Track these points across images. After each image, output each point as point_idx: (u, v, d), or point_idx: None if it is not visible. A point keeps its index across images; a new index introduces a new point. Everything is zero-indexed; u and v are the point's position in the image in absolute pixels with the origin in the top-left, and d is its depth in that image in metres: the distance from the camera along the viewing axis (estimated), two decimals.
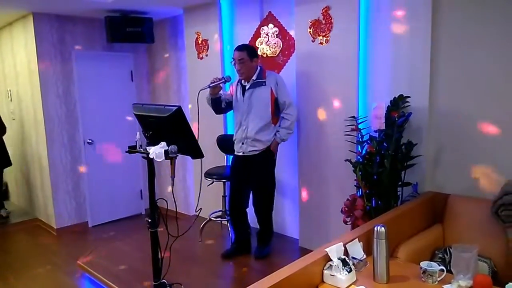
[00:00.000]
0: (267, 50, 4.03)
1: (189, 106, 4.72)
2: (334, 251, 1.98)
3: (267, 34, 4.01)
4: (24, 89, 4.94)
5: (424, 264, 1.97)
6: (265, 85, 3.45)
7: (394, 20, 3.07)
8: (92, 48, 4.88)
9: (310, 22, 3.51)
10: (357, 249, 2.10)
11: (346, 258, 2.00)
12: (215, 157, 4.33)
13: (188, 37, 4.68)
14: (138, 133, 2.63)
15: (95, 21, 4.81)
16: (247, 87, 3.50)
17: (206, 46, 4.48)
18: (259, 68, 3.51)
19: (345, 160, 3.14)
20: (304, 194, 3.82)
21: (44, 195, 4.89)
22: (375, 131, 2.98)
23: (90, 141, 4.89)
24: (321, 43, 3.47)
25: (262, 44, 4.05)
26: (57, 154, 4.69)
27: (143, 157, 2.52)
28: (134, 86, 5.27)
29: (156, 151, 2.35)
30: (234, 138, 3.64)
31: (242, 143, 3.54)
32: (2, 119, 5.13)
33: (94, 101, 4.89)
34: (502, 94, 2.59)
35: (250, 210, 3.80)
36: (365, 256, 2.10)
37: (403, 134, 2.89)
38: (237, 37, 4.28)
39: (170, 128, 2.44)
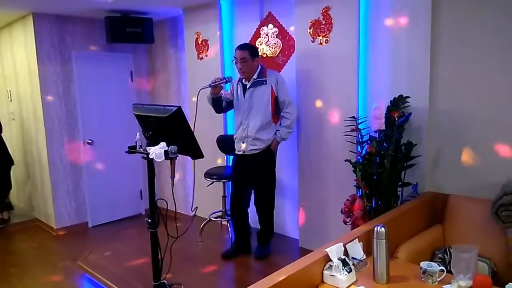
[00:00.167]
0: (267, 50, 4.04)
1: (194, 98, 4.68)
2: (334, 251, 1.98)
3: (267, 34, 4.01)
4: (24, 90, 4.94)
5: (424, 264, 1.97)
6: (266, 83, 3.46)
7: (394, 20, 3.07)
8: (92, 48, 4.88)
9: (310, 22, 3.51)
10: (357, 249, 2.10)
11: (346, 259, 2.00)
12: (215, 157, 4.33)
13: (188, 37, 4.68)
14: (138, 133, 2.63)
15: (95, 21, 4.81)
16: (248, 86, 3.50)
17: (206, 47, 4.48)
18: (260, 67, 3.52)
19: (345, 161, 3.14)
20: (304, 194, 3.82)
21: (44, 196, 4.89)
22: (375, 131, 2.98)
23: (90, 141, 4.89)
24: (321, 43, 3.47)
25: (262, 44, 4.05)
26: (57, 154, 4.69)
27: (143, 157, 2.52)
28: (134, 86, 5.27)
29: (156, 152, 2.35)
30: (234, 137, 3.65)
31: (243, 142, 3.54)
32: None
33: (94, 101, 4.89)
34: (502, 94, 2.59)
35: (251, 210, 3.80)
36: (365, 256, 2.10)
37: (403, 135, 2.89)
38: (237, 37, 4.28)
39: (170, 128, 2.44)
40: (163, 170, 5.23)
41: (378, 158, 2.93)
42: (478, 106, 2.70)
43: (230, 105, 3.68)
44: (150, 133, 2.51)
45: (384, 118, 2.88)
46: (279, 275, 1.79)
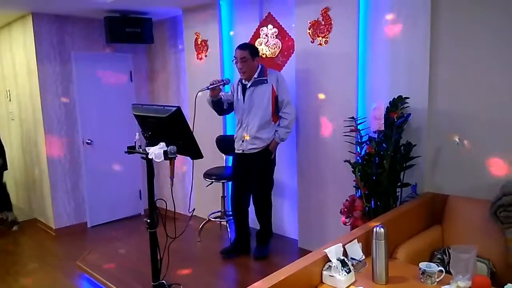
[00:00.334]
0: (266, 51, 4.04)
1: (190, 101, 4.69)
2: (333, 252, 1.98)
3: (266, 35, 4.02)
4: (23, 89, 4.94)
5: (423, 265, 1.97)
6: (267, 83, 3.46)
7: (393, 21, 3.08)
8: (91, 49, 4.88)
9: (310, 23, 3.51)
10: (356, 250, 2.10)
11: (345, 259, 2.00)
12: (214, 158, 4.33)
13: (187, 37, 4.68)
14: (137, 133, 2.63)
15: (95, 21, 4.81)
16: (248, 86, 3.50)
17: (206, 47, 4.48)
18: (260, 66, 3.52)
19: (344, 161, 3.14)
20: (303, 195, 3.82)
21: (43, 196, 4.88)
22: (374, 132, 2.98)
23: (89, 141, 4.88)
24: (320, 44, 3.47)
25: (261, 44, 4.05)
26: (56, 154, 4.69)
27: (142, 157, 2.52)
28: (133, 86, 5.27)
29: (155, 152, 2.35)
30: (234, 137, 3.65)
31: (242, 141, 3.54)
32: None
33: (93, 101, 4.89)
34: (502, 95, 2.59)
35: (250, 210, 3.80)
36: (364, 257, 2.10)
37: (402, 135, 2.89)
38: (236, 37, 4.28)
39: (170, 128, 2.44)
40: (162, 171, 5.23)
41: (377, 158, 2.93)
42: (478, 107, 2.70)
43: (231, 107, 3.68)
44: (150, 133, 2.51)
45: (383, 119, 2.89)
46: (278, 276, 1.79)
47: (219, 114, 3.80)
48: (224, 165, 4.43)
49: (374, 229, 2.00)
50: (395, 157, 2.87)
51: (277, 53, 3.97)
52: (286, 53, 3.90)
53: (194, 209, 2.91)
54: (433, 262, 2.14)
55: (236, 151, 3.64)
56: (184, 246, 3.86)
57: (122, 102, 5.04)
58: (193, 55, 4.63)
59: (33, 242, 4.56)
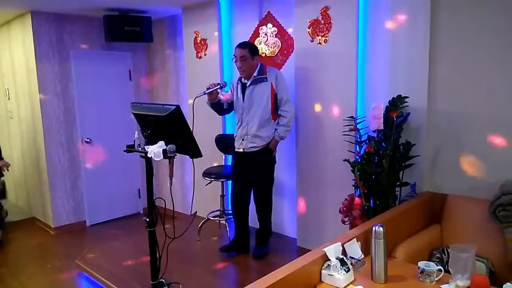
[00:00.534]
0: (265, 50, 4.03)
1: (190, 101, 4.68)
2: (332, 250, 1.98)
3: (266, 34, 4.01)
4: (22, 88, 4.93)
5: (422, 264, 1.97)
6: (266, 81, 3.46)
7: (392, 20, 3.07)
8: (90, 47, 4.87)
9: (309, 22, 3.51)
10: (355, 249, 2.10)
11: (344, 258, 2.00)
12: (213, 157, 4.33)
13: (186, 36, 4.67)
14: (136, 132, 2.62)
15: (94, 20, 4.80)
16: (248, 84, 3.50)
17: (205, 46, 4.48)
18: (259, 64, 3.51)
19: (344, 160, 3.14)
20: (302, 194, 3.82)
21: (42, 194, 4.88)
22: (374, 131, 2.98)
23: (88, 140, 4.88)
24: (320, 43, 3.47)
25: (261, 43, 4.05)
26: (55, 153, 4.68)
27: (142, 156, 2.51)
28: (132, 85, 5.26)
29: (154, 150, 2.35)
30: (234, 135, 3.66)
31: (242, 140, 3.54)
32: None
33: (92, 100, 4.88)
34: (501, 94, 2.60)
35: (250, 209, 3.80)
36: (363, 256, 2.10)
37: (401, 134, 2.90)
38: (236, 36, 4.27)
39: (169, 127, 2.43)
40: (161, 169, 5.23)
41: (376, 158, 2.93)
42: (477, 106, 2.70)
43: (231, 107, 3.68)
44: (149, 132, 2.51)
45: (382, 118, 2.89)
46: (277, 275, 1.79)
47: (220, 114, 3.80)
48: (224, 163, 4.43)
49: (373, 228, 2.01)
50: (394, 156, 2.87)
51: (276, 52, 3.97)
52: (285, 52, 3.90)
53: (196, 212, 2.90)
54: (432, 261, 2.14)
55: (236, 150, 3.64)
56: (183, 245, 3.85)
57: (121, 101, 5.03)
58: (193, 54, 4.62)
59: (31, 241, 4.56)
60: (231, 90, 3.69)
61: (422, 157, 2.96)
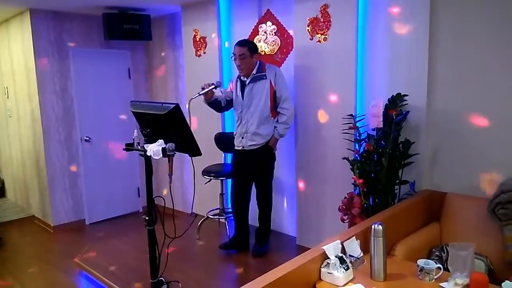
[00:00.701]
0: (265, 48, 4.03)
1: (187, 105, 4.70)
2: (332, 249, 1.98)
3: (265, 32, 4.01)
4: (21, 86, 4.92)
5: (421, 262, 1.97)
6: (266, 78, 3.46)
7: (392, 18, 3.07)
8: (89, 45, 4.86)
9: (309, 20, 3.51)
10: (354, 247, 2.10)
11: (344, 256, 2.00)
12: (212, 155, 4.32)
13: (186, 34, 4.66)
14: (135, 130, 2.62)
15: (93, 18, 4.79)
16: (247, 82, 3.50)
17: (204, 44, 4.47)
18: (258, 62, 3.51)
19: (343, 158, 3.14)
20: (302, 192, 3.82)
21: (41, 193, 4.88)
22: (373, 129, 2.98)
23: (87, 138, 4.87)
24: (319, 41, 3.47)
25: (260, 41, 4.04)
26: (54, 151, 4.68)
27: (141, 154, 2.51)
28: (131, 83, 5.25)
29: (154, 149, 2.35)
30: (234, 133, 3.66)
31: (242, 137, 3.54)
32: None
33: (91, 98, 4.87)
34: (500, 93, 2.60)
35: (250, 209, 3.80)
36: (362, 254, 2.10)
37: (400, 133, 2.89)
38: (235, 34, 4.27)
39: (168, 125, 2.43)
40: (160, 168, 5.23)
41: (375, 156, 2.93)
42: (476, 105, 2.70)
43: (230, 104, 3.67)
44: (148, 130, 2.50)
45: (382, 116, 2.88)
46: (277, 273, 1.79)
47: (218, 111, 3.80)
48: (223, 162, 4.43)
49: (373, 226, 2.01)
50: (393, 155, 2.87)
51: (276, 50, 3.96)
52: (285, 50, 3.90)
53: (196, 214, 2.89)
54: (431, 259, 2.15)
55: (236, 148, 3.64)
56: (183, 243, 3.85)
57: (120, 99, 5.03)
58: (192, 52, 4.61)
59: (30, 239, 4.56)
60: (230, 88, 3.69)
61: (422, 155, 2.96)
